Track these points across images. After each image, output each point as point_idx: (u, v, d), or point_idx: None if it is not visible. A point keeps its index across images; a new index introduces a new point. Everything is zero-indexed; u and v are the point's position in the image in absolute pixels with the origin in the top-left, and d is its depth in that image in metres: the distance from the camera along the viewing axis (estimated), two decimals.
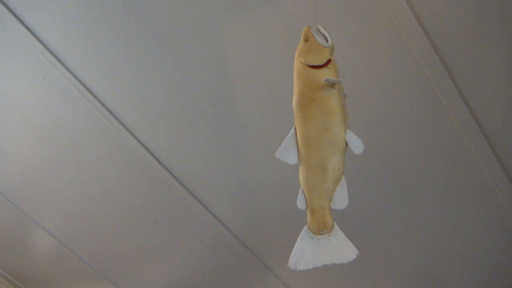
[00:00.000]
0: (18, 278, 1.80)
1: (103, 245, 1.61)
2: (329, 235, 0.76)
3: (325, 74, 0.70)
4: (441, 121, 1.16)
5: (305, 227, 0.77)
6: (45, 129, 1.29)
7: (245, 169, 1.33)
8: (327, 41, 0.71)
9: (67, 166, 1.37)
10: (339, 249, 0.76)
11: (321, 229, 0.76)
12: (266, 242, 1.51)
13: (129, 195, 1.43)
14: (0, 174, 1.43)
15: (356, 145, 0.71)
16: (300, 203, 0.76)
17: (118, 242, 1.58)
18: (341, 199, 0.74)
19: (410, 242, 1.44)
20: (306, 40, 0.71)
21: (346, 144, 0.72)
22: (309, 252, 0.76)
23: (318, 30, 0.73)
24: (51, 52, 1.13)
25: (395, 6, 1.00)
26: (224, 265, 1.60)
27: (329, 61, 0.70)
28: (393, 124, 1.19)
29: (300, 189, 0.75)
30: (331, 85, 0.70)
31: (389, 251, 1.47)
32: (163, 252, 1.60)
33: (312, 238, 0.76)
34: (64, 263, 1.69)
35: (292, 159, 0.73)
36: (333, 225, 0.76)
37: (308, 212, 0.76)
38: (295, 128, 0.73)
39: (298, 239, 0.77)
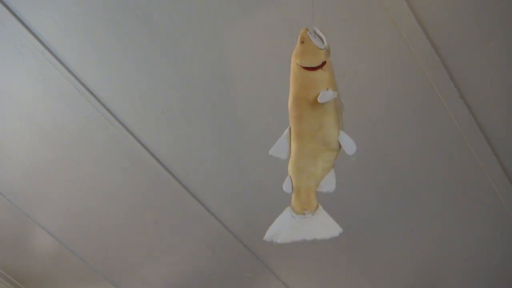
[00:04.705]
0: (18, 278, 1.80)
1: (103, 245, 1.61)
2: (312, 215, 0.76)
3: (320, 76, 0.71)
4: (441, 121, 1.16)
5: (287, 207, 0.77)
6: (45, 129, 1.29)
7: (245, 169, 1.33)
8: (323, 43, 0.72)
9: (67, 166, 1.37)
10: (321, 225, 0.77)
11: (304, 209, 0.76)
12: (266, 242, 1.51)
13: (129, 195, 1.43)
14: (0, 174, 1.43)
15: (349, 146, 0.73)
16: (287, 186, 0.76)
17: (118, 242, 1.58)
18: (329, 183, 0.75)
19: (410, 242, 1.44)
20: (302, 42, 0.72)
21: (340, 145, 0.73)
22: (288, 227, 0.77)
23: (315, 32, 0.73)
24: (51, 52, 1.13)
25: (395, 6, 1.00)
26: (224, 265, 1.60)
27: (324, 63, 0.71)
28: (393, 124, 1.19)
29: (288, 175, 0.76)
30: (326, 88, 0.71)
31: (388, 251, 1.47)
32: (163, 252, 1.60)
33: (293, 217, 0.77)
34: (64, 263, 1.69)
35: (283, 154, 0.74)
36: (317, 206, 0.76)
37: (293, 194, 0.76)
38: (290, 128, 0.75)
39: (279, 216, 0.77)
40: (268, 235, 0.77)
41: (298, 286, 1.64)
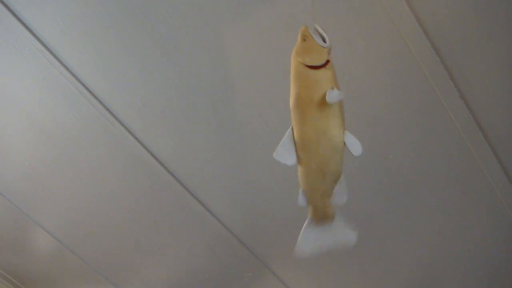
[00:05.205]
0: (18, 278, 1.80)
1: (103, 245, 1.61)
2: (330, 225, 0.78)
3: (324, 75, 0.70)
4: (441, 121, 1.16)
5: (308, 219, 0.78)
6: (45, 129, 1.29)
7: (245, 169, 1.33)
8: (324, 41, 0.71)
9: (67, 166, 1.37)
10: (340, 235, 0.79)
11: (323, 221, 0.78)
12: (266, 242, 1.51)
13: (129, 195, 1.43)
14: (0, 174, 1.43)
15: (355, 146, 0.72)
16: (301, 201, 0.77)
17: (118, 242, 1.58)
18: (340, 196, 0.75)
19: (410, 242, 1.44)
20: (304, 39, 0.71)
21: (345, 145, 0.72)
22: (313, 239, 0.79)
23: (316, 29, 0.72)
24: (51, 52, 1.13)
25: (395, 6, 1.00)
26: (224, 265, 1.60)
27: (327, 61, 0.70)
28: (393, 124, 1.19)
29: (301, 189, 0.76)
30: (331, 87, 0.70)
31: (389, 251, 1.47)
32: (163, 252, 1.60)
33: (315, 228, 0.78)
34: (64, 263, 1.69)
35: (290, 160, 0.73)
36: (333, 216, 0.78)
37: (309, 208, 0.77)
38: (292, 128, 0.73)
39: (303, 228, 0.79)
40: (297, 249, 0.79)
41: (298, 286, 1.64)
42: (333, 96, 0.68)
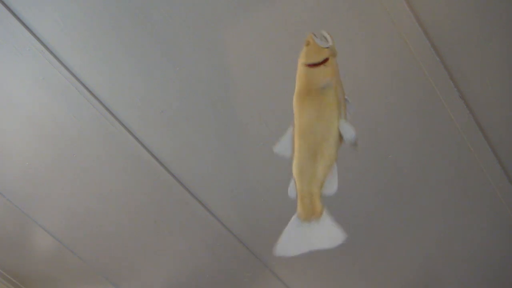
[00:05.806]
0: (18, 278, 1.80)
1: (103, 245, 1.60)
2: (317, 222, 0.75)
3: (322, 71, 0.72)
4: (441, 121, 1.16)
5: (295, 215, 0.76)
6: (45, 129, 1.29)
7: (245, 169, 1.33)
8: (327, 42, 0.74)
9: (67, 166, 1.37)
10: (325, 234, 0.76)
11: (310, 216, 0.75)
12: (266, 242, 1.51)
13: (129, 195, 1.43)
14: (0, 174, 1.43)
15: (348, 133, 0.72)
16: (291, 191, 0.76)
17: (118, 242, 1.58)
18: (330, 184, 0.74)
19: (410, 243, 1.44)
20: (307, 44, 0.73)
21: (341, 135, 0.73)
22: (296, 238, 0.76)
23: (322, 34, 0.75)
24: (51, 52, 1.13)
25: (395, 6, 1.00)
26: (224, 265, 1.60)
27: (326, 59, 0.72)
28: (393, 124, 1.19)
29: (292, 178, 0.76)
30: (328, 83, 0.71)
31: (388, 250, 1.47)
32: (163, 252, 1.60)
33: (300, 225, 0.75)
34: (64, 263, 1.69)
35: (287, 152, 0.75)
36: (322, 212, 0.75)
37: (298, 200, 0.75)
38: (293, 126, 0.75)
39: (287, 226, 0.76)
40: (277, 248, 0.76)
41: (298, 286, 1.64)
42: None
